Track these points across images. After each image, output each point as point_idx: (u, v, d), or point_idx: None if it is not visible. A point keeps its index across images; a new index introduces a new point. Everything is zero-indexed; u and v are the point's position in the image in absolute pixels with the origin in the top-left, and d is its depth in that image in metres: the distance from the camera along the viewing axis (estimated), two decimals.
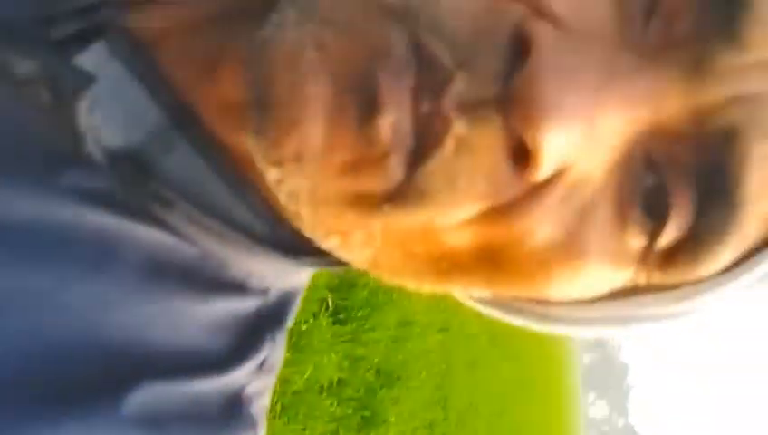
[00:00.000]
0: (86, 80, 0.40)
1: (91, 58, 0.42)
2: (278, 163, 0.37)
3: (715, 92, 0.36)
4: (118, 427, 0.41)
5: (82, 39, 0.43)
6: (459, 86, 0.35)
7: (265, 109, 0.36)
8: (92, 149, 0.42)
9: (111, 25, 0.43)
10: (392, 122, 0.35)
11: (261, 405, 0.49)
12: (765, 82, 0.36)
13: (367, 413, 2.93)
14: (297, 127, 0.35)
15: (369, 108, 0.35)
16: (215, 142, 0.44)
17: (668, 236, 0.38)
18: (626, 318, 0.43)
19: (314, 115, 0.35)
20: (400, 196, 0.36)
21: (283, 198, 0.38)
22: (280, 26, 0.37)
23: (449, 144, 0.35)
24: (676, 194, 0.38)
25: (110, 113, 0.42)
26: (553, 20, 0.36)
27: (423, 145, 0.35)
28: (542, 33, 0.35)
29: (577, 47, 0.35)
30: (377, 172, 0.36)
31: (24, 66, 0.40)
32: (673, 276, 0.40)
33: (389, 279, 0.42)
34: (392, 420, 3.15)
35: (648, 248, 0.39)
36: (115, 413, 0.41)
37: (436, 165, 0.35)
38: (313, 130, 0.35)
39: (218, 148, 0.44)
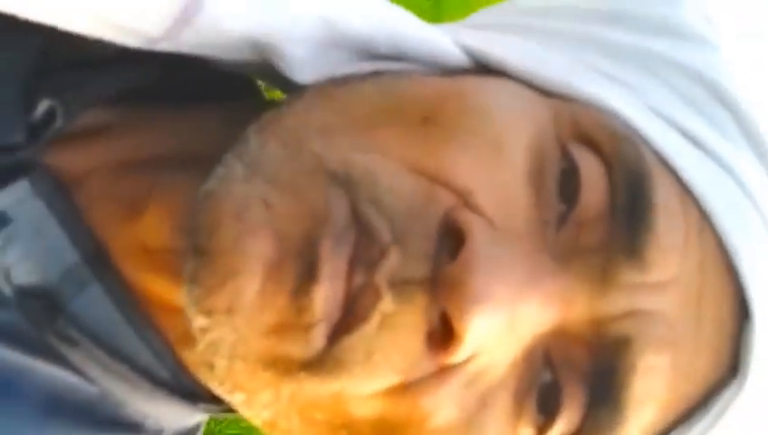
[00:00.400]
0: (1, 221, 0.42)
1: (12, 196, 0.44)
2: (208, 313, 0.37)
3: (614, 304, 0.39)
4: None
5: (3, 176, 0.44)
6: (393, 261, 0.36)
7: (203, 257, 0.37)
8: (2, 285, 0.43)
9: (33, 163, 0.45)
10: (325, 294, 0.36)
11: None
12: (659, 302, 0.39)
13: None
14: (234, 279, 0.37)
15: (307, 275, 0.36)
16: (126, 284, 0.45)
17: (557, 431, 0.40)
18: None
19: (253, 271, 0.36)
20: (317, 364, 0.37)
21: (201, 346, 0.38)
22: (225, 180, 0.39)
23: (374, 320, 0.36)
24: (568, 393, 0.40)
25: (25, 251, 0.44)
26: (481, 213, 0.38)
27: (349, 318, 0.37)
28: (475, 224, 0.37)
29: (505, 241, 0.38)
30: (300, 339, 0.37)
31: None
32: None
33: None
34: None
35: None
36: None
37: (357, 339, 0.37)
38: (249, 286, 0.36)
39: (129, 290, 0.45)
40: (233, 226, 0.37)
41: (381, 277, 0.36)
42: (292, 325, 0.37)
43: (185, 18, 0.39)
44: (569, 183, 0.40)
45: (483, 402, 0.39)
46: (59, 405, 0.45)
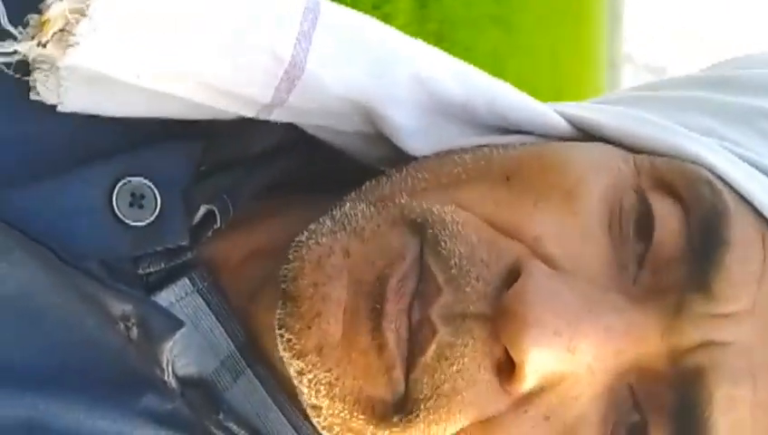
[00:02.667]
0: (176, 324, 0.45)
1: (175, 294, 0.47)
2: (300, 355, 0.41)
3: (688, 336, 0.41)
4: None
5: (166, 275, 0.48)
6: (446, 298, 0.40)
7: (290, 302, 0.42)
8: (169, 377, 0.46)
9: (193, 263, 0.48)
10: (394, 329, 0.40)
11: None
12: (733, 333, 0.41)
13: None
14: (317, 322, 0.41)
15: (377, 313, 0.40)
16: (273, 370, 0.49)
17: None
18: None
19: (332, 313, 0.41)
20: (402, 407, 0.40)
21: (305, 391, 0.42)
22: (314, 232, 0.43)
23: (431, 349, 0.39)
24: (656, 433, 0.41)
25: (186, 344, 0.47)
26: (550, 262, 0.41)
27: (412, 352, 0.40)
28: (535, 265, 0.40)
29: (565, 278, 0.41)
30: (386, 380, 0.40)
31: (118, 308, 0.44)
32: None
33: None
34: None
35: None
36: None
37: (420, 370, 0.40)
38: (332, 328, 0.41)
39: (276, 375, 0.49)
40: (313, 272, 0.42)
41: (435, 312, 0.39)
42: (376, 367, 0.40)
43: (289, 79, 0.44)
44: (644, 224, 0.43)
45: None
46: None
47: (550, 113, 0.48)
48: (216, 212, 0.47)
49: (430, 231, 0.41)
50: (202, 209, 0.47)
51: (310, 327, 0.41)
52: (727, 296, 0.41)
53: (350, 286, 0.41)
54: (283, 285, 0.42)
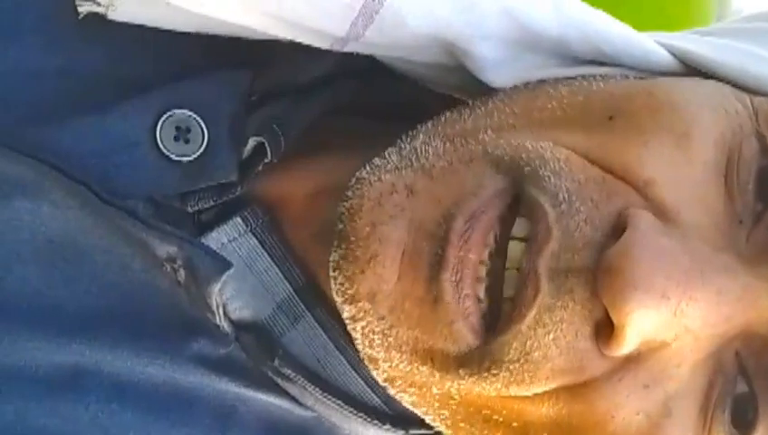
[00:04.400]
0: (223, 266, 0.43)
1: (227, 234, 0.45)
2: (352, 300, 0.38)
3: None
4: None
5: (218, 213, 0.45)
6: (554, 246, 0.36)
7: (344, 243, 0.38)
8: (221, 320, 0.44)
9: (245, 200, 0.45)
10: (454, 282, 0.36)
11: None
12: None
13: None
14: (372, 265, 0.37)
15: (438, 259, 0.36)
16: (335, 313, 0.46)
17: None
18: None
19: (390, 256, 0.37)
20: (474, 361, 0.37)
21: (358, 338, 0.39)
22: (378, 168, 0.39)
23: (530, 316, 0.35)
24: (763, 406, 0.38)
25: (240, 287, 0.45)
26: (661, 210, 0.37)
27: (503, 311, 0.36)
28: (644, 217, 0.36)
29: (677, 236, 0.36)
30: (446, 333, 0.37)
31: (162, 249, 0.42)
32: None
33: None
34: None
35: None
36: None
37: (511, 336, 0.36)
38: (387, 272, 0.37)
39: (338, 319, 0.46)
40: (372, 211, 0.38)
41: (543, 263, 0.35)
42: (432, 320, 0.37)
43: (367, 13, 0.39)
44: (767, 177, 0.38)
45: (666, 408, 0.37)
46: (275, 431, 0.47)
47: (653, 45, 0.43)
48: (267, 144, 0.44)
49: (528, 168, 0.37)
50: (251, 142, 0.44)
51: (363, 271, 0.37)
52: None
53: (410, 227, 0.37)
54: (339, 225, 0.39)
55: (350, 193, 0.39)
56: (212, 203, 0.45)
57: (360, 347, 0.40)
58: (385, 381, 0.41)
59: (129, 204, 0.43)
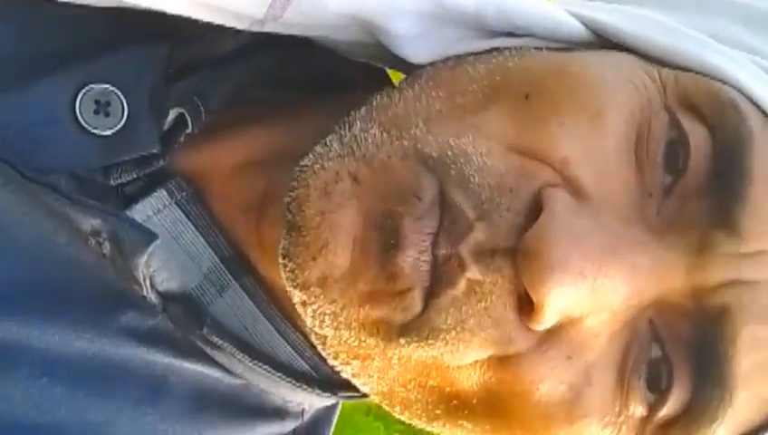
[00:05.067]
0: (148, 238, 0.43)
1: (151, 206, 0.45)
2: (303, 286, 0.39)
3: (713, 275, 0.38)
4: None
5: (142, 186, 0.45)
6: (478, 235, 0.37)
7: (294, 232, 0.39)
8: (148, 292, 0.44)
9: (169, 172, 0.46)
10: (411, 261, 0.37)
11: None
12: (759, 271, 0.38)
13: None
14: (323, 253, 0.38)
15: (391, 245, 0.37)
16: (263, 282, 0.47)
17: (667, 409, 0.40)
18: None
19: (341, 244, 0.38)
20: (414, 329, 0.38)
21: (308, 320, 0.40)
22: (321, 156, 0.40)
23: (461, 284, 0.37)
24: (677, 368, 0.39)
25: (166, 258, 0.45)
26: (576, 187, 0.38)
27: (438, 283, 0.38)
28: (555, 195, 0.37)
29: (591, 213, 0.38)
30: (397, 304, 0.38)
31: (86, 223, 0.42)
32: None
33: (401, 415, 0.44)
34: None
35: (646, 419, 0.40)
36: None
37: (447, 302, 0.37)
38: (339, 259, 0.38)
39: (266, 288, 0.47)
40: (320, 200, 0.38)
41: (465, 249, 0.37)
42: (385, 292, 0.38)
43: None
44: (676, 153, 0.40)
45: (587, 377, 0.39)
46: (206, 399, 0.47)
47: (564, 16, 0.44)
48: (187, 115, 0.44)
49: (454, 166, 0.38)
50: (172, 113, 0.44)
51: (315, 258, 0.38)
52: (753, 234, 0.38)
53: (359, 215, 0.38)
54: (288, 215, 0.39)
55: (295, 182, 0.40)
56: (135, 176, 0.45)
57: (309, 327, 0.41)
58: (329, 355, 0.42)
59: (52, 179, 0.42)
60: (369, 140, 0.40)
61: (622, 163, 0.39)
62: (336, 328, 0.39)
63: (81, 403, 0.43)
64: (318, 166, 0.39)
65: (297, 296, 0.39)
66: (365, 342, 0.40)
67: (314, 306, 0.39)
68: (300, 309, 0.40)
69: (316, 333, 0.41)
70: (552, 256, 0.36)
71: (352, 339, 0.40)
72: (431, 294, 0.38)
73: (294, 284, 0.39)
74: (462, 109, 0.41)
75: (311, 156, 0.40)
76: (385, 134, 0.40)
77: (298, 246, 0.39)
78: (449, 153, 0.38)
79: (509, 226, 0.37)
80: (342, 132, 0.41)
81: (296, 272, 0.39)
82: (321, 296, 0.39)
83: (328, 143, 0.41)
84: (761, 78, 0.41)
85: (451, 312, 0.37)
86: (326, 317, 0.39)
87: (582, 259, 0.36)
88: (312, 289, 0.39)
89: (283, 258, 0.39)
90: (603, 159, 0.39)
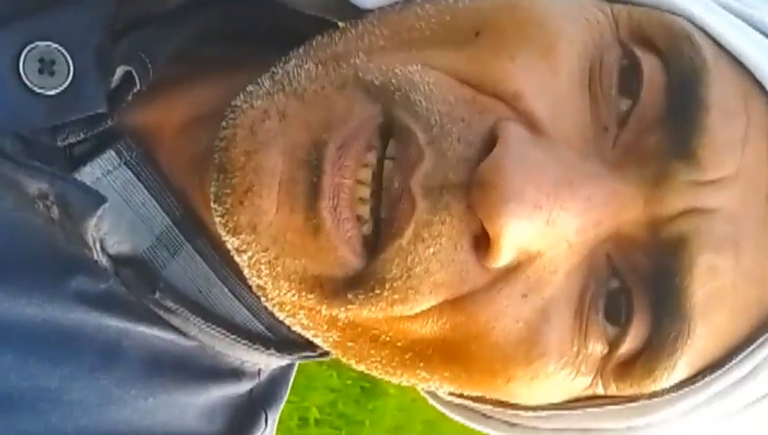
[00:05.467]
0: (97, 201, 0.41)
1: (100, 167, 0.44)
2: (234, 232, 0.38)
3: (670, 205, 0.38)
4: None
5: (91, 147, 0.44)
6: (427, 166, 0.36)
7: (222, 174, 0.38)
8: (99, 256, 0.43)
9: (117, 132, 0.44)
10: (332, 208, 0.36)
11: None
12: (716, 200, 0.38)
13: (366, 385, 2.95)
14: (249, 196, 0.37)
15: (314, 187, 0.37)
16: (215, 243, 0.46)
17: (628, 344, 0.40)
18: (584, 431, 0.45)
19: (266, 186, 0.37)
20: (359, 284, 0.38)
21: (245, 270, 0.39)
22: (251, 94, 0.39)
23: (409, 231, 0.36)
24: (636, 300, 0.39)
25: (116, 221, 0.44)
26: (530, 121, 0.38)
27: (382, 230, 0.37)
28: (513, 130, 0.37)
29: (546, 146, 0.37)
30: (331, 258, 0.37)
31: (33, 186, 0.41)
32: (630, 388, 0.41)
33: (358, 367, 0.44)
34: (392, 391, 3.18)
35: (607, 356, 0.40)
36: None
37: (393, 253, 0.37)
38: (265, 203, 0.37)
39: (219, 248, 0.46)
40: (245, 140, 0.38)
41: (416, 181, 0.36)
42: (316, 247, 0.37)
43: None
44: (630, 80, 0.39)
45: (544, 314, 0.39)
46: (161, 362, 0.47)
47: None
48: (135, 73, 0.42)
49: (398, 93, 0.37)
50: (119, 71, 0.43)
51: (242, 202, 0.37)
52: (710, 163, 0.38)
53: (285, 154, 0.37)
54: (215, 157, 0.38)
55: (224, 123, 0.39)
56: (82, 136, 0.43)
57: (248, 277, 0.40)
58: (274, 306, 0.41)
59: None
60: (303, 75, 0.39)
61: (576, 97, 0.39)
62: (274, 278, 0.39)
63: (33, 370, 0.42)
64: (246, 105, 0.39)
65: (230, 243, 0.39)
66: (306, 296, 0.39)
67: (249, 253, 0.38)
68: (236, 257, 0.39)
69: (256, 284, 0.40)
70: (507, 187, 0.35)
71: (292, 293, 0.39)
72: (375, 248, 0.37)
73: (226, 229, 0.38)
74: (408, 44, 0.40)
75: (241, 96, 0.39)
76: (321, 67, 0.39)
77: (225, 189, 0.38)
78: (393, 80, 0.38)
79: (460, 159, 0.37)
80: (275, 70, 0.40)
81: (226, 217, 0.38)
82: (254, 244, 0.38)
83: (259, 82, 0.40)
84: (714, 10, 0.42)
85: (396, 262, 0.37)
86: (262, 266, 0.38)
87: (538, 191, 0.36)
88: (242, 236, 0.38)
89: (214, 202, 0.39)
90: (557, 93, 0.39)
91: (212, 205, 0.39)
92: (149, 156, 0.45)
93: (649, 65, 0.39)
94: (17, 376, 0.42)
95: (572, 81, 0.39)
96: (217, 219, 0.39)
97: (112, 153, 0.44)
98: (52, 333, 0.43)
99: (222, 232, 0.39)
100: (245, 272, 0.40)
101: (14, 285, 0.42)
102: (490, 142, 0.37)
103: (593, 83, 0.40)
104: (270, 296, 0.40)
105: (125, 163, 0.44)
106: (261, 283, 0.40)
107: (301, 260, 0.38)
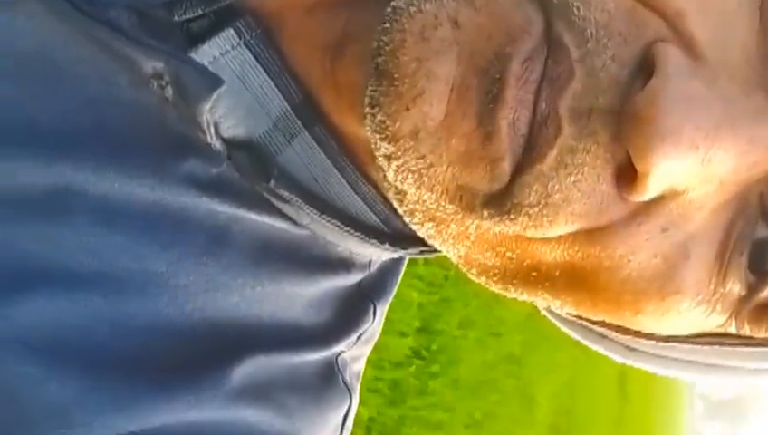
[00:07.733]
0: (213, 83, 0.39)
1: (219, 47, 0.41)
2: (393, 138, 0.36)
3: None
4: (223, 396, 0.43)
5: (209, 24, 0.41)
6: (577, 86, 0.34)
7: (386, 79, 0.35)
8: (212, 139, 0.41)
9: (237, 10, 0.41)
10: (510, 121, 0.34)
11: (355, 371, 0.51)
12: None
13: None
14: (417, 103, 0.35)
15: (493, 96, 0.34)
16: (335, 132, 0.43)
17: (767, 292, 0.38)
18: (709, 366, 0.43)
19: (438, 93, 0.35)
20: (497, 203, 0.36)
21: (390, 174, 0.37)
22: None
23: (551, 157, 0.34)
24: None
25: (233, 104, 0.42)
26: (690, 45, 0.35)
27: (528, 153, 0.35)
28: (672, 58, 0.34)
29: (707, 77, 0.34)
30: (486, 171, 0.35)
31: (148, 65, 0.39)
32: (764, 332, 0.39)
33: (477, 278, 0.42)
34: None
35: (744, 299, 0.38)
36: (221, 384, 0.43)
37: (533, 179, 0.35)
38: (435, 109, 0.35)
39: (338, 137, 0.44)
40: (417, 45, 0.35)
41: (564, 104, 0.34)
42: (478, 156, 0.35)
43: None
44: None
45: (684, 250, 0.37)
46: (271, 250, 0.45)
47: None
48: None
49: (560, 2, 0.34)
50: None
51: (408, 108, 0.35)
52: None
53: (460, 62, 0.34)
54: (377, 59, 0.35)
55: (387, 24, 0.36)
56: (200, 12, 0.41)
57: (390, 180, 0.38)
58: (404, 213, 0.40)
59: (112, 15, 0.39)
60: None
61: (743, 21, 0.36)
62: (418, 187, 0.37)
63: (143, 252, 0.42)
64: (414, 8, 0.35)
65: (384, 148, 0.36)
66: (444, 206, 0.37)
67: (400, 161, 0.36)
68: (383, 162, 0.37)
69: (396, 188, 0.38)
70: (664, 124, 0.32)
71: (432, 201, 0.37)
72: (519, 168, 0.35)
73: (383, 135, 0.36)
74: None
75: None
76: None
77: (389, 96, 0.35)
78: None
79: (611, 80, 0.34)
80: None
81: (386, 123, 0.36)
82: (411, 151, 0.36)
83: None
84: None
85: (535, 188, 0.35)
86: (410, 175, 0.36)
87: (696, 130, 0.33)
88: (401, 142, 0.35)
89: (372, 108, 0.36)
90: (722, 15, 0.35)
91: (368, 110, 0.36)
92: (270, 36, 0.42)
93: None
94: (128, 257, 0.41)
95: (741, 3, 0.36)
96: (374, 125, 0.36)
97: (231, 32, 0.41)
98: (162, 216, 0.42)
99: (375, 138, 0.36)
100: (389, 177, 0.37)
101: (125, 165, 0.40)
102: (645, 65, 0.34)
103: (765, 8, 0.36)
104: (406, 202, 0.39)
105: (244, 43, 0.42)
106: (403, 187, 0.37)
107: (454, 167, 0.35)
